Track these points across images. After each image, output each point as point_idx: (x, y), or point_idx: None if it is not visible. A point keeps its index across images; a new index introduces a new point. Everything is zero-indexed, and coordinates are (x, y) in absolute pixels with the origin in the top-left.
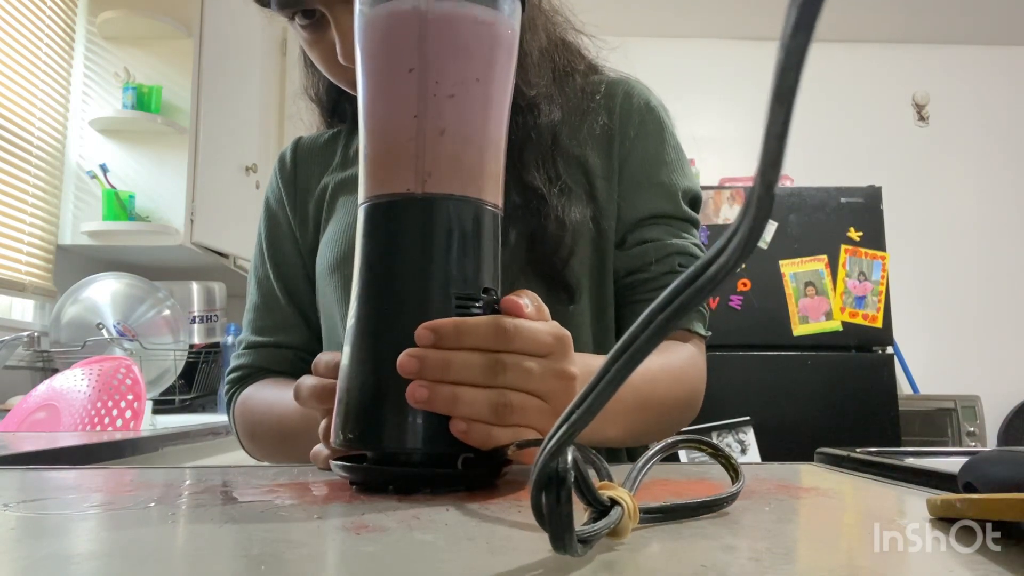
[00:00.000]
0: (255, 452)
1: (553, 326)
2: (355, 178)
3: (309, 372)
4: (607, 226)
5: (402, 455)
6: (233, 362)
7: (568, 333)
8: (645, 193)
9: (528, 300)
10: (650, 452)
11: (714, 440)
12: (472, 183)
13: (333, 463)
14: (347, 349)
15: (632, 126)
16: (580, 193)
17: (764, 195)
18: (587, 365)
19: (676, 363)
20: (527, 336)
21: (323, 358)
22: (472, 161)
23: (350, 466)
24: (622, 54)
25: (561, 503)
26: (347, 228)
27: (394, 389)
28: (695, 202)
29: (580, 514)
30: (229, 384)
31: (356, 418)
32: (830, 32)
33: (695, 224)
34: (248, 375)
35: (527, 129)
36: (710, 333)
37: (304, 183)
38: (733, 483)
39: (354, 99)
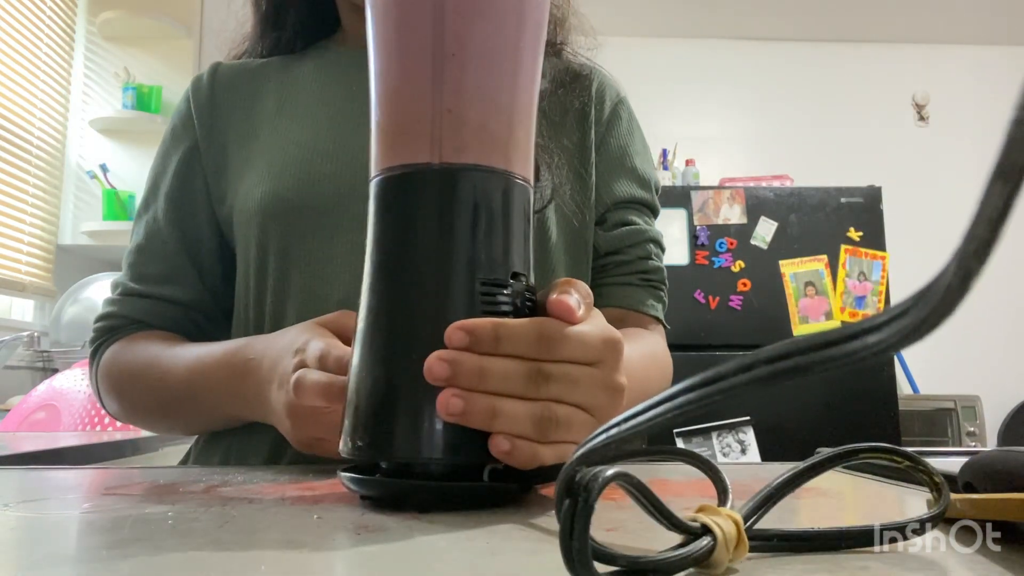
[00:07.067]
0: (122, 414)
1: (604, 329)
2: (292, 117)
3: (202, 331)
4: (581, 201)
5: (419, 467)
6: (104, 308)
7: (620, 338)
8: (622, 177)
9: (579, 298)
10: (802, 466)
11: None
12: (498, 153)
13: (342, 475)
14: (357, 344)
15: (607, 111)
16: (560, 163)
17: (958, 287)
18: (634, 370)
19: (658, 352)
20: (575, 344)
21: (333, 352)
22: (498, 128)
23: (360, 479)
24: (623, 54)
25: (575, 534)
26: (284, 168)
27: (410, 390)
28: (657, 193)
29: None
30: (97, 333)
31: (366, 424)
32: (830, 32)
33: (657, 214)
34: (121, 326)
35: None
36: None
37: (224, 114)
38: (936, 502)
39: (302, 10)
